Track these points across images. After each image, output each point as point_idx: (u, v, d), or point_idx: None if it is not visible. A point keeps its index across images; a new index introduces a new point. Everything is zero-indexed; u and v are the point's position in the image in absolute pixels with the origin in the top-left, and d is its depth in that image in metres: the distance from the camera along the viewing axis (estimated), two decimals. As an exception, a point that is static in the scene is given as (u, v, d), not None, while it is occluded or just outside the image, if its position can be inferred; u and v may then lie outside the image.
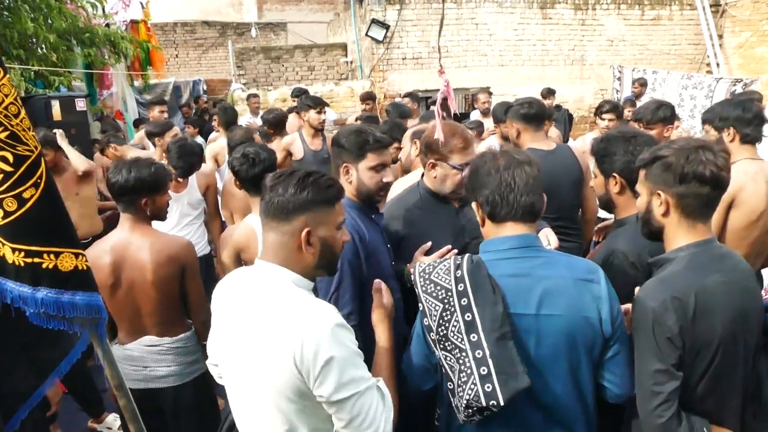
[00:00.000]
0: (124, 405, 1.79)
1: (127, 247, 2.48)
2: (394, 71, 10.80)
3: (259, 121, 7.61)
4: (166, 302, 2.55)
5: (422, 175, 2.58)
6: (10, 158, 1.42)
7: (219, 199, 4.37)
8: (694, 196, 1.64)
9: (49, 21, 7.00)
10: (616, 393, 1.68)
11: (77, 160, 4.39)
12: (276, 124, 5.46)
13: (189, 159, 3.92)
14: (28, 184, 1.44)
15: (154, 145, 4.98)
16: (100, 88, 9.40)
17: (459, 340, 1.55)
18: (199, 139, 7.97)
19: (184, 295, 2.63)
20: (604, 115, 4.86)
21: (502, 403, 1.48)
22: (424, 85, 10.54)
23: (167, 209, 2.69)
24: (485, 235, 1.77)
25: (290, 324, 1.42)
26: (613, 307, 1.63)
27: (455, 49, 10.94)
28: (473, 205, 1.79)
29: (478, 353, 1.52)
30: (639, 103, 8.08)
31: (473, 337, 1.53)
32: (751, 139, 2.94)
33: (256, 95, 8.50)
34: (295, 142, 5.19)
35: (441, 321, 1.58)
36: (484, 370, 1.50)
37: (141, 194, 2.51)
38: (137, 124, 8.35)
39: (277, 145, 5.19)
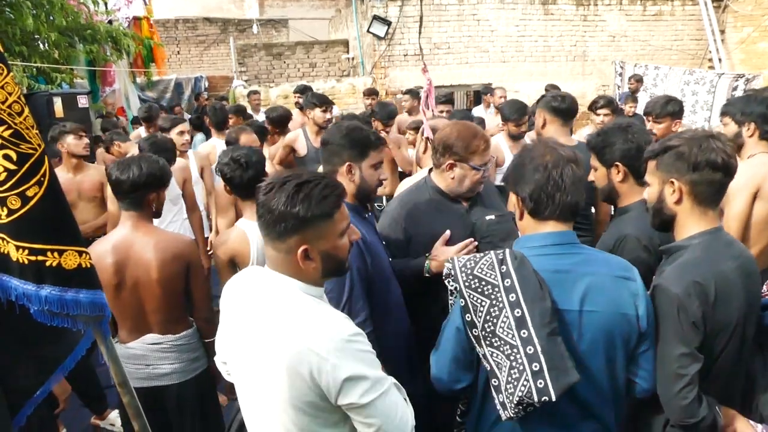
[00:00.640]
0: (127, 402, 1.79)
1: (130, 246, 2.46)
2: (396, 68, 10.81)
3: (260, 118, 7.63)
4: (170, 300, 2.54)
5: (429, 171, 2.57)
6: (14, 156, 1.43)
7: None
8: (707, 182, 1.70)
9: (51, 18, 7.01)
10: (644, 387, 1.72)
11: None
12: (280, 121, 5.47)
13: (163, 155, 3.85)
14: (31, 182, 1.45)
15: None
16: (103, 84, 9.44)
17: (509, 336, 1.54)
18: (201, 137, 7.99)
19: (187, 293, 2.62)
20: (600, 110, 4.86)
21: (554, 399, 1.48)
22: (424, 83, 10.53)
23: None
24: (522, 229, 1.77)
25: (304, 337, 1.38)
26: (648, 304, 1.66)
27: (457, 46, 10.94)
28: (512, 197, 1.77)
29: (529, 349, 1.51)
30: (643, 99, 8.11)
31: (523, 333, 1.52)
32: None
33: (256, 92, 8.49)
34: (298, 139, 5.19)
35: (488, 317, 1.57)
36: (536, 366, 1.50)
37: (150, 189, 2.50)
38: (135, 122, 8.37)
39: (280, 142, 5.21)
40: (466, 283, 1.61)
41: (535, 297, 1.54)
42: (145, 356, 2.54)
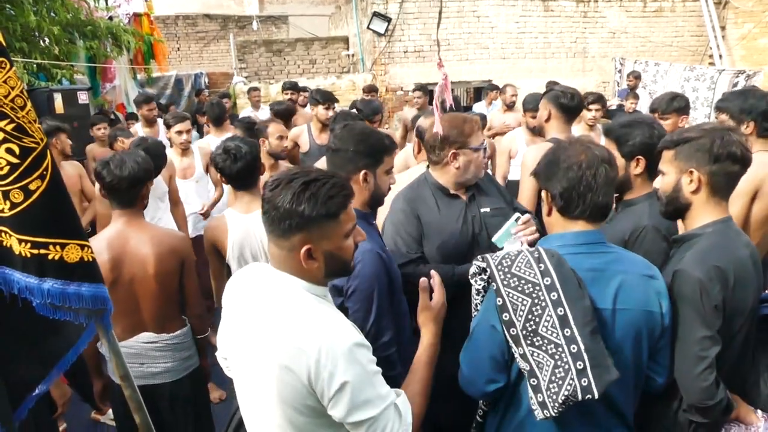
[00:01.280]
0: (129, 395, 1.79)
1: (126, 242, 2.46)
2: (396, 64, 10.80)
3: (260, 115, 7.64)
4: (166, 296, 2.54)
5: (427, 167, 2.58)
6: (17, 150, 1.43)
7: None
8: (725, 174, 1.78)
9: (52, 14, 7.01)
10: (659, 383, 1.75)
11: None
12: (285, 115, 5.52)
13: (156, 162, 3.83)
14: (34, 176, 1.45)
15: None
16: (103, 81, 9.43)
17: (553, 335, 1.54)
18: (194, 135, 7.99)
19: (180, 290, 2.63)
20: (591, 106, 4.90)
21: (596, 396, 1.49)
22: (425, 79, 10.53)
23: None
24: (549, 225, 1.78)
25: (305, 340, 1.36)
26: (669, 301, 1.70)
27: (457, 42, 10.93)
28: (543, 193, 1.77)
29: (573, 348, 1.52)
30: (644, 96, 8.12)
31: (567, 331, 1.53)
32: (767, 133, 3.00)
33: (256, 89, 8.49)
34: (302, 135, 5.23)
35: (530, 316, 1.56)
36: (580, 365, 1.50)
37: (145, 182, 2.52)
38: (130, 117, 8.38)
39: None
40: (504, 282, 1.60)
41: (576, 295, 1.54)
42: (140, 354, 2.53)
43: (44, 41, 7.27)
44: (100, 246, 2.44)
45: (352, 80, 10.80)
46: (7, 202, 1.45)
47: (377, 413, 1.38)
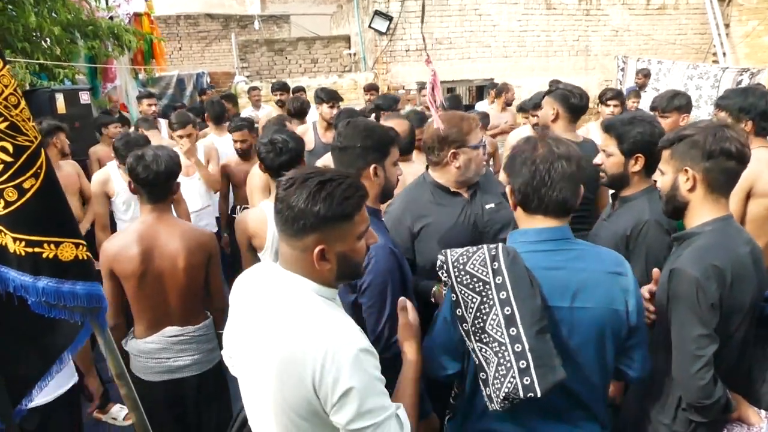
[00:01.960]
0: (125, 394, 1.80)
1: (156, 237, 2.50)
2: (398, 63, 10.79)
3: (261, 114, 7.64)
4: (192, 290, 2.59)
5: (427, 168, 2.59)
6: (10, 149, 1.43)
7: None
8: (721, 170, 1.76)
9: (53, 14, 7.00)
10: (631, 376, 1.76)
11: (210, 179, 4.61)
12: (299, 112, 5.65)
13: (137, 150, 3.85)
14: (28, 175, 1.45)
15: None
16: (104, 80, 9.43)
17: (498, 333, 1.55)
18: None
19: (205, 284, 2.68)
20: (609, 102, 4.88)
21: (539, 395, 1.49)
22: (427, 77, 10.52)
23: None
24: (518, 220, 1.79)
25: (311, 343, 1.35)
26: (639, 298, 1.69)
27: (459, 41, 10.91)
28: (507, 188, 1.78)
29: (517, 347, 1.52)
30: (643, 94, 8.07)
31: (512, 330, 1.53)
32: (765, 132, 2.99)
33: (256, 88, 8.50)
34: (308, 133, 5.26)
35: (478, 313, 1.58)
36: (523, 364, 1.51)
37: (177, 177, 2.58)
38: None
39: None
40: (458, 279, 1.62)
41: (526, 295, 1.55)
42: (165, 349, 2.56)
43: (46, 41, 7.26)
44: (129, 239, 2.49)
45: (354, 79, 10.79)
46: (2, 201, 1.45)
47: (380, 420, 1.36)
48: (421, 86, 7.02)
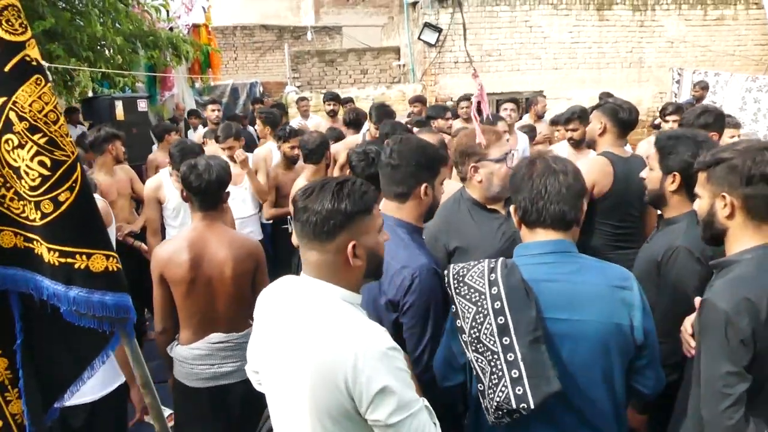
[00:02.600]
0: (149, 403, 1.82)
1: (206, 244, 2.56)
2: (446, 75, 10.79)
3: (309, 123, 7.77)
4: (239, 297, 2.61)
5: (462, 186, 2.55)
6: (48, 162, 1.49)
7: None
8: (762, 197, 1.63)
9: (117, 24, 7.34)
10: (645, 393, 1.74)
11: (258, 189, 4.72)
12: (354, 122, 5.81)
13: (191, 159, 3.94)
14: (63, 188, 1.51)
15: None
16: (162, 89, 9.81)
17: (491, 342, 1.57)
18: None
19: (252, 291, 2.67)
20: (668, 117, 4.76)
21: (532, 407, 1.49)
22: (474, 89, 10.48)
23: None
24: (522, 237, 1.81)
25: (341, 344, 1.39)
26: (646, 314, 1.66)
27: (508, 53, 10.83)
28: (511, 207, 1.82)
29: (510, 356, 1.53)
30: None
31: (505, 340, 1.55)
32: None
33: (305, 98, 8.62)
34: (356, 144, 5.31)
35: (474, 323, 1.60)
36: (515, 373, 1.52)
37: (227, 185, 2.65)
38: (191, 114, 8.70)
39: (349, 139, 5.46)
40: (457, 290, 1.66)
41: (521, 305, 1.56)
42: (211, 355, 2.59)
43: (109, 51, 7.61)
44: (180, 245, 2.55)
45: (402, 90, 10.84)
46: (38, 212, 1.51)
47: (415, 411, 1.40)
48: (461, 99, 6.98)
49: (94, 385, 2.38)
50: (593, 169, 3.11)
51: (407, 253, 1.93)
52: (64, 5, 6.89)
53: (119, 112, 7.06)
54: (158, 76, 9.22)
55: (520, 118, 8.98)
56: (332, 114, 7.13)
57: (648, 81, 11.27)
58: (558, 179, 1.67)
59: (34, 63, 1.50)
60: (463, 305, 1.64)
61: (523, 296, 1.58)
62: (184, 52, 8.94)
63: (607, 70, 11.12)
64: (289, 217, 4.64)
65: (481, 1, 10.65)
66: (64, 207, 1.51)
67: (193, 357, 2.59)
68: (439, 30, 10.47)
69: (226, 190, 2.68)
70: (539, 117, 6.99)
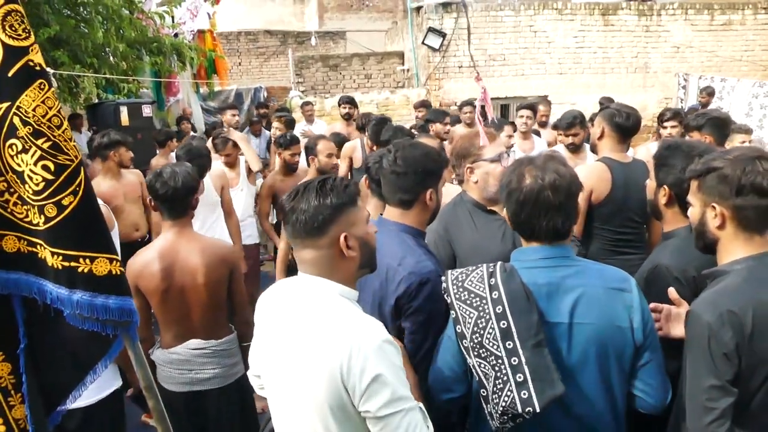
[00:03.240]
0: (153, 405, 1.83)
1: (177, 252, 2.55)
2: (450, 79, 10.80)
3: (314, 128, 7.78)
4: (215, 304, 2.62)
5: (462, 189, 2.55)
6: (52, 167, 1.50)
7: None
8: (752, 208, 1.58)
9: (121, 31, 7.38)
10: (650, 403, 1.68)
11: (252, 159, 4.86)
12: (365, 127, 5.72)
13: (198, 161, 3.91)
14: (67, 192, 1.51)
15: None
16: (167, 94, 9.85)
17: (494, 347, 1.56)
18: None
19: (229, 297, 2.71)
20: (666, 123, 4.72)
21: (538, 410, 1.48)
22: (479, 93, 10.46)
23: None
24: (520, 241, 1.80)
25: (338, 337, 1.41)
26: (645, 315, 1.65)
27: (512, 57, 10.83)
28: (504, 214, 1.79)
29: (514, 360, 1.53)
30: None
31: (509, 344, 1.54)
32: None
33: (309, 103, 8.63)
34: (356, 150, 5.30)
35: (476, 328, 1.59)
36: (520, 377, 1.51)
37: (195, 192, 2.63)
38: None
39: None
40: (457, 296, 1.65)
41: (522, 309, 1.55)
42: (189, 361, 2.60)
43: (113, 57, 7.65)
44: (151, 256, 2.54)
45: (406, 95, 10.85)
46: (42, 217, 1.51)
47: (407, 407, 1.41)
48: (464, 104, 6.94)
49: (89, 390, 2.37)
50: (591, 175, 3.10)
51: (414, 259, 1.92)
52: (68, 12, 6.95)
53: (124, 117, 7.09)
54: (163, 81, 9.26)
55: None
56: (347, 117, 7.05)
57: (653, 86, 11.25)
58: (548, 196, 1.63)
59: (38, 68, 1.50)
60: (464, 310, 1.63)
61: (524, 300, 1.57)
62: (188, 59, 8.97)
63: (612, 75, 11.11)
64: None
65: (486, 5, 10.68)
66: (67, 211, 1.51)
67: (170, 361, 2.60)
68: (443, 35, 10.48)
69: (196, 197, 2.66)
70: (541, 126, 6.89)
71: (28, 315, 1.67)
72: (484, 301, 1.60)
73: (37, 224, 1.53)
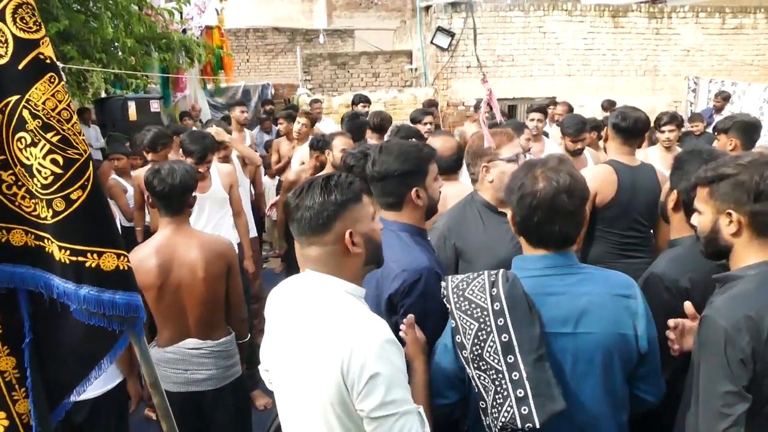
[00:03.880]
0: (158, 403, 1.82)
1: (174, 248, 2.54)
2: (458, 79, 10.78)
3: (321, 126, 7.76)
4: (212, 302, 2.61)
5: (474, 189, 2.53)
6: (61, 161, 1.48)
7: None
8: None
9: (130, 27, 7.40)
10: (651, 401, 1.70)
11: (250, 156, 4.99)
12: (378, 127, 5.71)
13: (201, 142, 3.86)
14: (75, 186, 1.50)
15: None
16: (175, 90, 9.87)
17: (495, 361, 1.53)
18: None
19: (226, 295, 2.69)
20: (664, 127, 4.70)
21: (537, 426, 1.46)
22: (484, 94, 10.42)
23: None
24: (522, 244, 1.76)
25: (341, 334, 1.42)
26: (649, 322, 1.63)
27: (521, 58, 10.81)
28: (508, 214, 1.76)
29: (515, 375, 1.50)
30: (718, 118, 7.72)
31: (510, 358, 1.52)
32: None
33: (318, 101, 8.62)
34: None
35: (476, 340, 1.57)
36: (520, 393, 1.49)
37: (193, 190, 2.62)
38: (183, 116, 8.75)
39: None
40: (457, 305, 1.62)
41: (524, 322, 1.52)
42: (184, 361, 2.58)
43: (122, 52, 7.67)
44: (148, 252, 2.53)
45: (414, 94, 10.83)
46: (50, 210, 1.50)
47: (403, 411, 1.39)
48: (479, 103, 6.92)
49: (96, 382, 2.38)
50: (596, 177, 3.10)
51: (408, 256, 1.91)
52: (78, 7, 6.97)
53: (132, 112, 7.13)
54: (171, 77, 9.27)
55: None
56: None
57: (662, 89, 11.20)
58: (563, 201, 1.59)
59: (48, 61, 1.48)
60: (464, 321, 1.59)
61: (526, 312, 1.54)
62: (196, 55, 8.99)
63: (621, 77, 11.07)
64: None
65: (495, 6, 10.65)
66: (75, 205, 1.50)
67: (166, 360, 2.58)
68: (452, 34, 10.46)
69: (193, 194, 2.64)
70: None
71: (34, 309, 1.66)
72: (485, 313, 1.56)
73: (45, 218, 1.52)
